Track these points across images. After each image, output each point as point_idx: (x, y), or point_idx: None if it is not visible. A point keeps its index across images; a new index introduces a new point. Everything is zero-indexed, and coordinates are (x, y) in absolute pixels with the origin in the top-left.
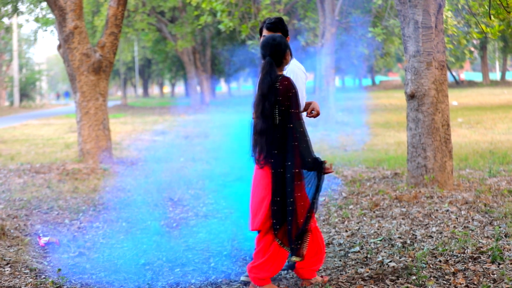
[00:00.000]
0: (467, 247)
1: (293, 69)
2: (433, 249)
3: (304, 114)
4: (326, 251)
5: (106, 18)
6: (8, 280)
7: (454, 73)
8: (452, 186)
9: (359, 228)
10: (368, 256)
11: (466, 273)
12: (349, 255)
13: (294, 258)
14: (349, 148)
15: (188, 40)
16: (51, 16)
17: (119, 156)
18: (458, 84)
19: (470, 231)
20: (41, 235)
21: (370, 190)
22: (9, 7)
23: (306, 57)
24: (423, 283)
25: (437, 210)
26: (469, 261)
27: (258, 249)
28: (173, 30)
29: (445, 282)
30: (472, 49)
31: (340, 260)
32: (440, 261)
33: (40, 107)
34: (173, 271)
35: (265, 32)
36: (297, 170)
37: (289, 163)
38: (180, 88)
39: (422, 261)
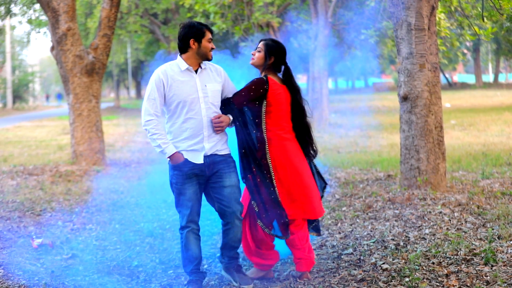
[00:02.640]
0: (460, 249)
1: None
2: (426, 251)
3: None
4: (319, 253)
5: (99, 20)
6: (1, 282)
7: (447, 75)
8: (445, 188)
9: (352, 230)
10: (361, 258)
11: (459, 275)
12: (342, 257)
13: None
14: (342, 150)
15: None
16: (44, 18)
17: (112, 158)
18: (451, 86)
19: (463, 233)
20: (34, 237)
21: (363, 192)
22: (1, 9)
23: (299, 59)
24: (416, 285)
25: (430, 212)
26: (462, 263)
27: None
28: (166, 32)
29: (438, 284)
30: (465, 51)
31: (333, 262)
32: (433, 263)
33: (33, 109)
34: (166, 273)
35: (210, 35)
36: None
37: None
38: None
39: (415, 263)
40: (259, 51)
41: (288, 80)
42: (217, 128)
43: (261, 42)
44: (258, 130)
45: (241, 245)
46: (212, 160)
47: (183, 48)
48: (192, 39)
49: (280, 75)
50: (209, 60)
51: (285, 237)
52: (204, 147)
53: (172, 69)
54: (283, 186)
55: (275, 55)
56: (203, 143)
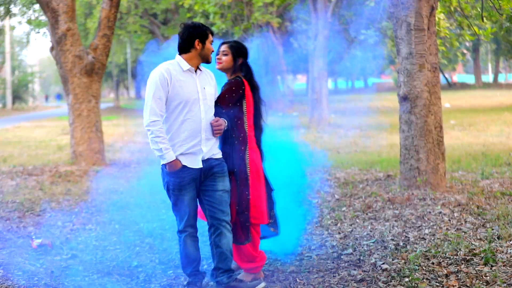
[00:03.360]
0: (460, 249)
1: None
2: (426, 251)
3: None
4: (319, 253)
5: (99, 20)
6: (1, 282)
7: (446, 75)
8: (444, 188)
9: (351, 230)
10: (361, 258)
11: (459, 275)
12: (341, 257)
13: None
14: (342, 150)
15: None
16: (43, 18)
17: (112, 158)
18: (451, 86)
19: (463, 233)
20: (33, 237)
21: (363, 192)
22: (1, 9)
23: (299, 59)
24: (415, 285)
25: (429, 212)
26: (462, 263)
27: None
28: (165, 32)
29: (437, 284)
30: (465, 51)
31: (333, 262)
32: (433, 263)
33: (33, 109)
34: (166, 273)
35: (211, 38)
36: None
37: None
38: None
39: (415, 263)
40: (225, 54)
41: (250, 80)
42: (217, 131)
43: (225, 45)
44: (240, 131)
45: None
46: (209, 164)
47: (185, 48)
48: (198, 39)
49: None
50: (209, 62)
51: (247, 241)
52: (202, 150)
53: (173, 68)
54: (255, 189)
55: (243, 56)
56: (200, 146)
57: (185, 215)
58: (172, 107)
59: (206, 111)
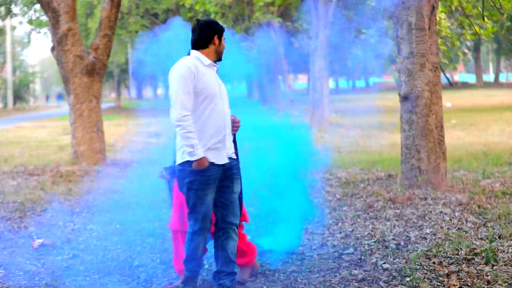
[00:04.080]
0: (461, 249)
1: None
2: (427, 251)
3: None
4: (320, 252)
5: (100, 20)
6: (1, 282)
7: (447, 75)
8: (446, 188)
9: (353, 230)
10: (362, 257)
11: (460, 275)
12: (343, 256)
13: None
14: (343, 149)
15: None
16: (44, 18)
17: (113, 158)
18: (452, 85)
19: (464, 233)
20: (35, 237)
21: (364, 191)
22: (2, 9)
23: (300, 59)
24: (417, 284)
25: (431, 211)
26: (463, 263)
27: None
28: None
29: (439, 283)
30: (466, 50)
31: (334, 262)
32: (434, 262)
33: (34, 109)
34: (167, 273)
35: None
36: None
37: None
38: None
39: (416, 263)
40: None
41: None
42: (235, 128)
43: None
44: None
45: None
46: (229, 163)
47: (203, 44)
48: (216, 35)
49: None
50: (220, 60)
51: None
52: (226, 145)
53: (197, 63)
54: None
55: None
56: (225, 141)
57: (203, 216)
58: (198, 102)
59: (226, 106)
